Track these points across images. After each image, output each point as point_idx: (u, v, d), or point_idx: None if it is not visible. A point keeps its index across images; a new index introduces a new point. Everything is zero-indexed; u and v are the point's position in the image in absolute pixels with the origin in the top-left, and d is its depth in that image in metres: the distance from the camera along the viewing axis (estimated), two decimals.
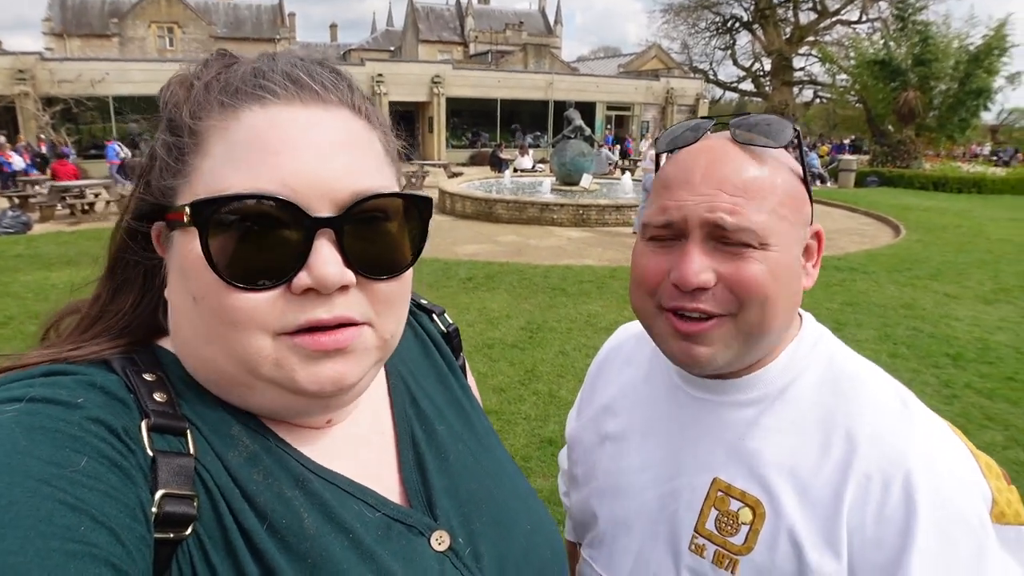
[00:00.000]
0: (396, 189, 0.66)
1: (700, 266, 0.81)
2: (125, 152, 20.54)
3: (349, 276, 0.60)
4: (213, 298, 0.58)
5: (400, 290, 0.67)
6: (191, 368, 0.65)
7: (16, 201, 14.69)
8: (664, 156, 0.92)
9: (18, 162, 20.45)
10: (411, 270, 0.68)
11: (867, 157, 28.28)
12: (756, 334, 0.83)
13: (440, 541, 0.69)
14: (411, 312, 0.88)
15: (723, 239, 0.81)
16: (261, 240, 0.58)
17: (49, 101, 24.68)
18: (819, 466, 0.82)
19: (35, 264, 8.81)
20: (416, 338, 0.89)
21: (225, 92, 0.61)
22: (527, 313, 7.05)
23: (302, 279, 0.58)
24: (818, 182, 24.38)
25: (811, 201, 0.88)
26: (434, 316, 0.94)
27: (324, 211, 0.59)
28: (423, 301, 0.95)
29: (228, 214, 0.57)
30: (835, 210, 16.84)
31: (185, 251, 0.59)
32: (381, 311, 0.65)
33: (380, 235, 0.63)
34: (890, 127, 28.04)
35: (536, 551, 0.77)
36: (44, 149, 22.02)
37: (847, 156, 27.61)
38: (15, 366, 0.61)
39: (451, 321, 0.95)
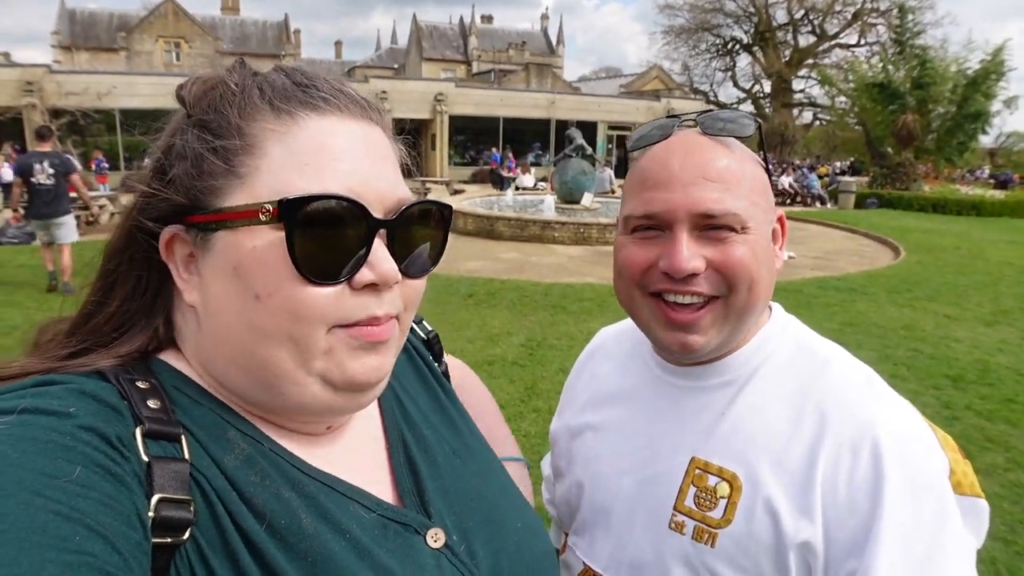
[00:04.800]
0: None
1: (690, 253, 0.85)
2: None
3: (399, 274, 0.66)
4: (285, 293, 0.61)
5: (422, 289, 0.73)
6: (219, 372, 0.66)
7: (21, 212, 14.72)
8: (636, 154, 0.96)
9: (7, 174, 20.47)
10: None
11: (867, 179, 28.41)
12: (745, 313, 0.88)
13: (435, 538, 0.70)
14: None
15: (708, 226, 0.85)
16: (330, 239, 0.62)
17: (56, 113, 24.85)
18: (792, 438, 0.87)
19: (39, 275, 8.84)
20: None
21: (278, 97, 0.64)
22: (527, 330, 7.06)
23: (365, 275, 0.63)
24: (818, 203, 24.48)
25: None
26: (413, 324, 0.97)
27: (378, 215, 0.64)
28: None
29: (311, 213, 0.60)
30: (835, 231, 16.92)
31: (246, 249, 0.61)
32: (407, 308, 0.70)
33: (417, 238, 0.70)
34: (889, 149, 28.24)
35: (528, 547, 0.79)
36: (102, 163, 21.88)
37: (847, 178, 27.68)
38: (3, 377, 0.61)
39: (430, 328, 0.98)
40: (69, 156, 9.26)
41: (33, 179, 7.95)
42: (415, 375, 0.89)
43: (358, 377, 0.65)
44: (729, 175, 0.86)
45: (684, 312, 0.87)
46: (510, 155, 32.68)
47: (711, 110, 0.92)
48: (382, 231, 0.65)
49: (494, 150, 33.27)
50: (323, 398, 0.66)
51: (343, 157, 0.63)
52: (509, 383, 5.55)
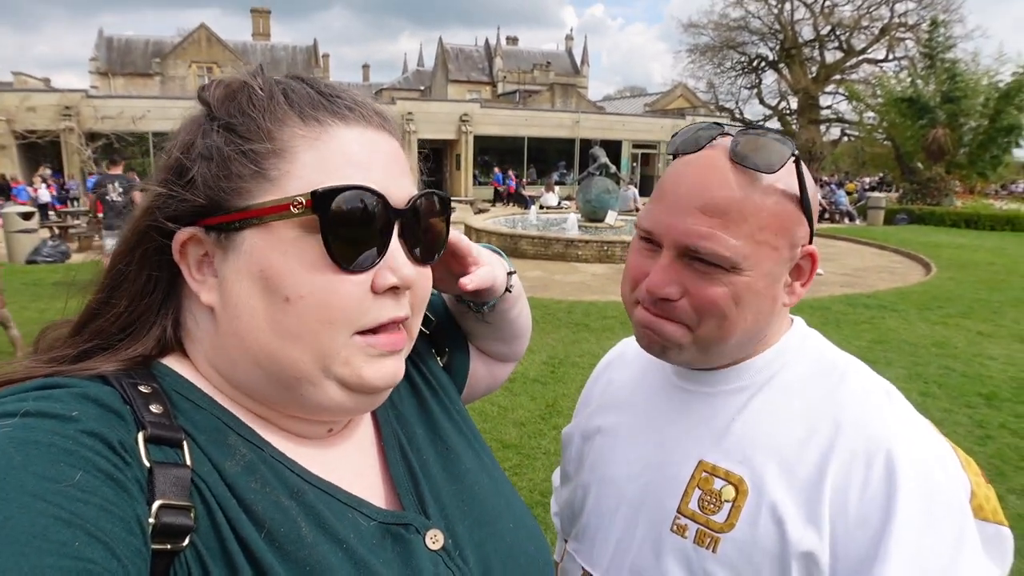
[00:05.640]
0: None
1: (666, 279, 0.85)
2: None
3: (415, 274, 0.69)
4: (317, 292, 0.63)
5: (428, 294, 0.75)
6: (234, 372, 0.67)
7: (56, 231, 15.19)
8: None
9: (44, 195, 21.15)
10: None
11: (896, 194, 27.93)
12: (710, 346, 0.88)
13: (434, 540, 0.71)
14: None
15: (695, 258, 0.84)
16: (356, 230, 0.64)
17: (92, 136, 25.58)
18: (804, 447, 0.84)
19: (71, 291, 9.04)
20: None
21: (306, 104, 0.66)
22: (550, 348, 7.03)
23: (387, 279, 0.66)
24: (846, 220, 24.13)
25: (810, 222, 0.88)
26: None
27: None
28: None
29: (341, 204, 0.62)
30: (864, 248, 16.65)
31: (275, 252, 0.63)
32: (415, 312, 0.73)
33: (424, 229, 0.73)
34: (919, 164, 27.76)
35: (520, 547, 0.79)
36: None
37: (877, 194, 27.21)
38: (5, 380, 0.61)
39: (432, 318, 0.96)
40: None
41: (108, 197, 9.69)
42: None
43: (375, 382, 0.68)
44: (734, 211, 0.81)
45: (650, 314, 0.89)
46: (511, 173, 32.88)
47: (753, 129, 0.86)
48: (397, 223, 0.67)
49: (496, 170, 33.32)
50: (338, 399, 0.67)
51: (370, 165, 0.66)
52: (530, 400, 5.53)
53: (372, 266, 0.66)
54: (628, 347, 1.19)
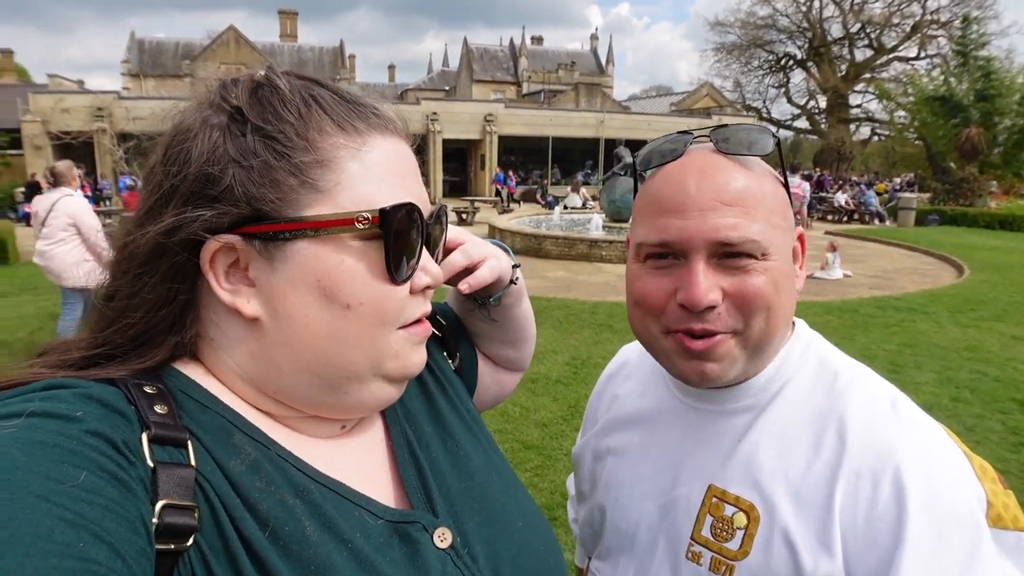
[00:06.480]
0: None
1: (708, 285, 0.80)
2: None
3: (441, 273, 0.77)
4: (376, 299, 0.67)
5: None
6: (273, 378, 0.67)
7: None
8: (647, 174, 0.91)
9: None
10: None
11: (928, 195, 27.42)
12: (761, 345, 0.85)
13: (443, 538, 0.71)
14: None
15: (726, 255, 0.81)
16: (405, 243, 0.68)
17: (124, 137, 26.10)
18: (810, 467, 0.82)
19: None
20: None
21: (345, 114, 0.68)
22: (572, 348, 7.02)
23: (422, 279, 0.72)
24: (876, 221, 23.73)
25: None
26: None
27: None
28: None
29: (401, 220, 0.67)
30: (894, 249, 16.36)
31: (333, 261, 0.64)
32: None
33: (435, 238, 0.78)
34: (952, 164, 27.20)
35: (530, 545, 0.79)
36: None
37: (907, 194, 26.71)
38: (13, 383, 0.60)
39: (443, 322, 0.98)
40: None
41: None
42: None
43: (414, 368, 0.73)
44: (748, 197, 0.81)
45: (700, 341, 0.83)
46: (511, 173, 32.86)
47: (725, 125, 0.87)
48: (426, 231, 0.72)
49: (498, 170, 33.22)
50: (378, 393, 0.71)
51: (405, 175, 0.70)
52: (552, 401, 5.53)
53: (413, 271, 0.70)
54: (629, 357, 1.17)
